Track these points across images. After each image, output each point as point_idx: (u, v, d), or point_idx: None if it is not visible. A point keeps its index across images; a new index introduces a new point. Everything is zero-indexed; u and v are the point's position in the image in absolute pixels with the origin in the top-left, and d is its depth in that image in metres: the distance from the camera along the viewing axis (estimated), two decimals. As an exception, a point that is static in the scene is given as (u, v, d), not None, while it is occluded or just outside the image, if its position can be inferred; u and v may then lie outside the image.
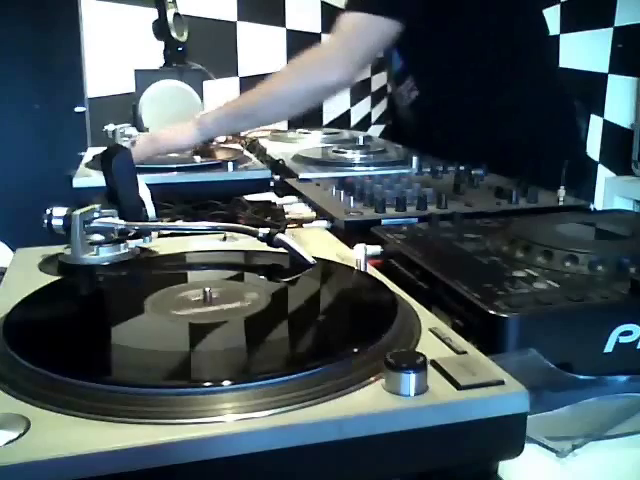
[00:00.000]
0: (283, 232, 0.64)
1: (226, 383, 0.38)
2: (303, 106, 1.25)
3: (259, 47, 2.68)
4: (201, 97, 1.71)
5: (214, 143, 1.43)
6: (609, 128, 2.78)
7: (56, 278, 0.61)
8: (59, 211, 0.66)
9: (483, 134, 1.30)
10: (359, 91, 2.80)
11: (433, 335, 0.47)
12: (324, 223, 0.89)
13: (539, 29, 1.41)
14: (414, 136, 1.49)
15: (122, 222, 0.67)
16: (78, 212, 0.64)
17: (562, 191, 0.93)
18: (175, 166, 1.20)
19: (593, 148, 2.76)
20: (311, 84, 1.22)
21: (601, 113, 2.77)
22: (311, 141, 1.65)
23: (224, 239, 0.73)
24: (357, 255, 0.60)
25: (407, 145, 1.46)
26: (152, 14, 1.77)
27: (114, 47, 2.50)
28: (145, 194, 0.77)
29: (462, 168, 1.13)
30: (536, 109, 1.33)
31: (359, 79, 1.32)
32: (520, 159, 1.04)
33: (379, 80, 2.73)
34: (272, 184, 1.18)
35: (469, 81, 1.32)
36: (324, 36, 1.54)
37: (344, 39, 1.21)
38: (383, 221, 0.84)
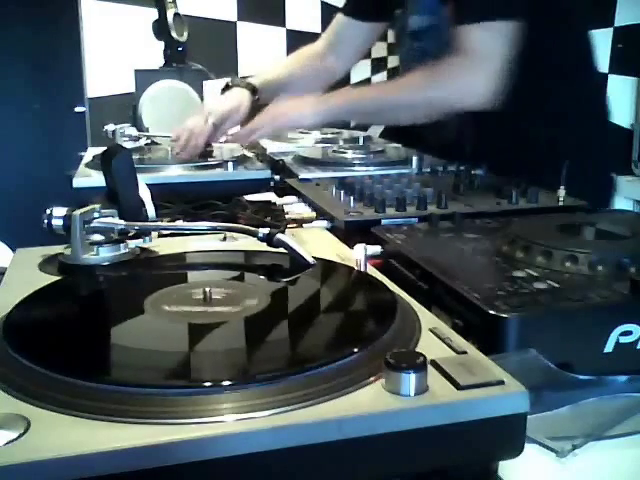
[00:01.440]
0: (283, 232, 0.64)
1: (226, 383, 0.38)
2: (427, 119, 1.20)
3: (259, 47, 2.69)
4: (201, 97, 1.71)
5: (214, 143, 1.43)
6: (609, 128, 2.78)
7: (56, 278, 0.61)
8: (59, 211, 0.66)
9: (490, 135, 1.27)
10: (359, 91, 2.80)
11: (433, 335, 0.47)
12: (324, 223, 0.88)
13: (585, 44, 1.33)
14: (416, 136, 1.48)
15: (122, 222, 0.67)
16: (78, 212, 0.64)
17: (562, 191, 0.93)
18: (175, 166, 1.20)
19: (593, 148, 2.76)
20: (450, 105, 1.16)
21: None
22: (311, 141, 1.65)
23: (224, 239, 0.73)
24: (357, 255, 0.60)
25: (407, 145, 1.46)
26: (152, 14, 1.77)
27: (114, 47, 2.50)
28: (145, 194, 0.77)
29: (462, 168, 1.13)
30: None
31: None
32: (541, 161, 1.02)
33: (379, 80, 2.73)
34: (272, 184, 1.18)
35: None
36: (311, 46, 1.55)
37: (479, 58, 1.12)
38: (383, 221, 0.84)
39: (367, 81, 2.73)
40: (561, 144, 1.21)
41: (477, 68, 1.13)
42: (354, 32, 1.49)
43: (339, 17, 1.52)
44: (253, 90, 1.42)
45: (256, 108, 1.37)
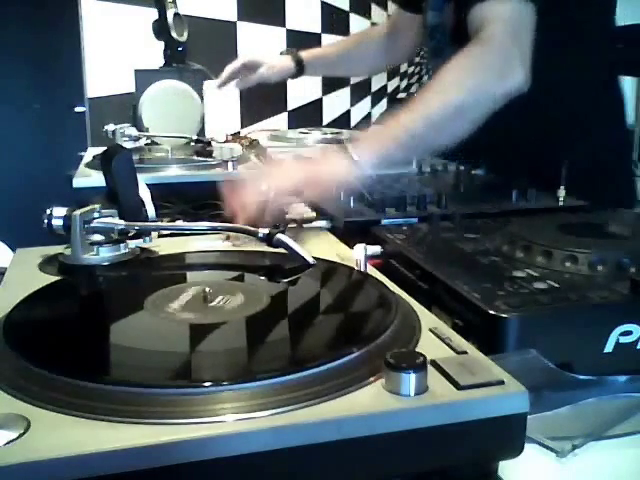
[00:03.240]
0: (283, 232, 0.64)
1: (226, 383, 0.38)
2: (483, 118, 0.99)
3: (259, 47, 2.69)
4: (201, 97, 1.71)
5: (214, 143, 1.43)
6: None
7: (56, 278, 0.61)
8: (59, 211, 0.66)
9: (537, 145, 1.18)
10: (359, 91, 2.80)
11: (433, 335, 0.47)
12: (324, 223, 0.88)
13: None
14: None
15: (122, 222, 0.67)
16: (78, 212, 0.64)
17: (562, 191, 0.93)
18: (175, 166, 1.20)
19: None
20: (495, 92, 0.97)
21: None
22: (311, 141, 1.65)
23: (227, 238, 0.73)
24: (357, 255, 0.60)
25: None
26: (152, 14, 1.77)
27: (114, 47, 2.50)
28: (145, 194, 0.77)
29: (462, 168, 1.13)
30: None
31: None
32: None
33: (379, 80, 2.73)
34: (272, 184, 1.17)
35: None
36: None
37: (511, 37, 0.99)
38: (383, 221, 0.84)
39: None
40: (577, 147, 1.16)
41: (511, 46, 0.99)
42: (405, 23, 1.47)
43: (394, 6, 1.55)
44: (298, 61, 1.50)
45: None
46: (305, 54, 1.53)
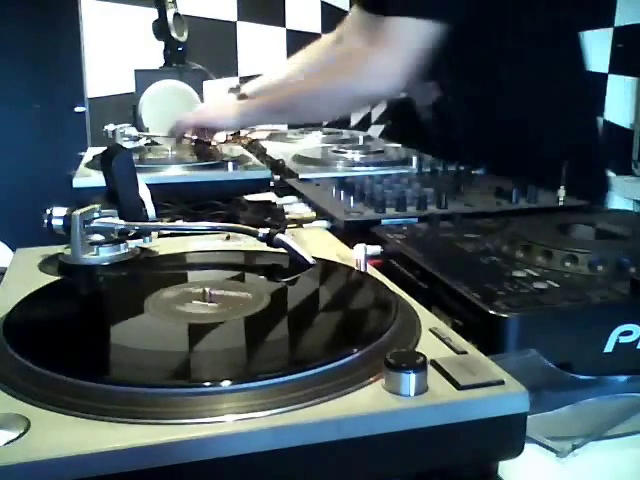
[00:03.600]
0: (283, 232, 0.64)
1: (226, 383, 0.38)
2: (345, 110, 1.31)
3: (259, 47, 2.69)
4: (201, 97, 1.71)
5: (214, 143, 1.43)
6: (609, 128, 2.78)
7: (56, 278, 0.61)
8: (59, 211, 0.66)
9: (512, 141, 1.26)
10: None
11: (433, 335, 0.47)
12: (324, 223, 0.89)
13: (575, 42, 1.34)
14: (421, 136, 1.48)
15: (122, 222, 0.67)
16: (78, 212, 0.64)
17: (562, 191, 0.93)
18: (175, 166, 1.20)
19: (593, 148, 2.76)
20: (357, 91, 1.20)
21: (601, 113, 2.78)
22: (311, 141, 1.65)
23: (227, 238, 0.73)
24: (357, 255, 0.60)
25: (407, 145, 1.46)
26: (152, 14, 1.77)
27: (114, 47, 2.50)
28: (145, 194, 0.77)
29: (462, 168, 1.13)
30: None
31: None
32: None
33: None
34: (272, 184, 1.17)
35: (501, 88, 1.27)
36: (324, 36, 1.54)
37: (391, 47, 1.16)
38: (383, 221, 0.84)
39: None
40: (553, 143, 1.22)
41: (386, 54, 1.16)
42: (364, 25, 1.50)
43: (352, 8, 1.55)
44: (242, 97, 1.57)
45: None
46: (252, 89, 1.56)
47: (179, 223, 0.91)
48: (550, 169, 0.94)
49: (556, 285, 0.58)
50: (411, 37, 1.14)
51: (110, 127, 1.39)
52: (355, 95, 1.21)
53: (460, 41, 1.16)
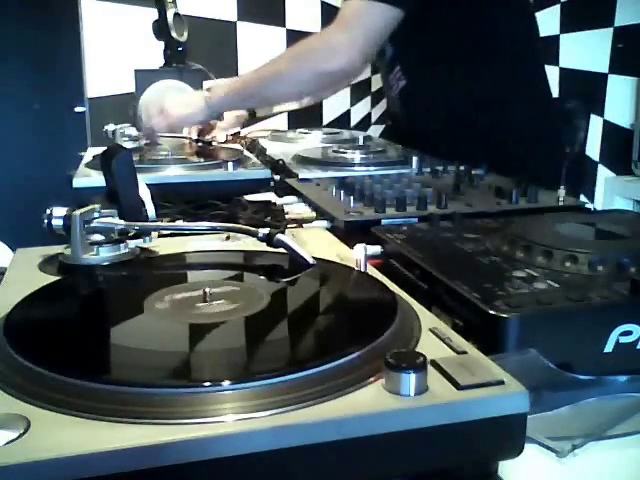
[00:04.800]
0: (283, 232, 0.64)
1: (226, 383, 0.38)
2: (308, 89, 1.32)
3: (259, 47, 2.68)
4: (201, 97, 1.70)
5: (214, 143, 1.43)
6: (609, 128, 2.78)
7: (56, 278, 0.61)
8: (59, 211, 0.66)
9: (464, 127, 1.34)
10: (359, 91, 2.80)
11: (433, 335, 0.47)
12: (324, 223, 0.88)
13: (530, 28, 1.45)
14: (406, 129, 1.51)
15: (122, 222, 0.67)
16: (78, 212, 0.64)
17: (562, 191, 0.93)
18: (175, 166, 1.20)
19: (593, 148, 2.76)
20: (316, 68, 1.25)
21: (601, 113, 2.78)
22: (311, 141, 1.65)
23: (227, 238, 0.73)
24: (357, 255, 0.60)
25: (407, 145, 1.46)
26: (152, 14, 1.76)
27: (114, 47, 2.50)
28: (145, 194, 0.77)
29: (462, 168, 1.13)
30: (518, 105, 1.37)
31: (363, 70, 1.36)
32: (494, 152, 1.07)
33: (379, 80, 2.73)
34: (272, 184, 1.18)
35: (456, 73, 1.35)
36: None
37: (347, 26, 1.23)
38: (383, 221, 0.83)
39: (367, 81, 2.73)
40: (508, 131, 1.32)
41: (342, 32, 1.23)
42: None
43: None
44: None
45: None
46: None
47: (179, 223, 0.92)
48: (499, 157, 1.06)
49: (556, 285, 0.58)
50: (366, 19, 1.22)
51: (110, 127, 1.39)
52: (316, 72, 1.25)
53: (419, 27, 1.26)
